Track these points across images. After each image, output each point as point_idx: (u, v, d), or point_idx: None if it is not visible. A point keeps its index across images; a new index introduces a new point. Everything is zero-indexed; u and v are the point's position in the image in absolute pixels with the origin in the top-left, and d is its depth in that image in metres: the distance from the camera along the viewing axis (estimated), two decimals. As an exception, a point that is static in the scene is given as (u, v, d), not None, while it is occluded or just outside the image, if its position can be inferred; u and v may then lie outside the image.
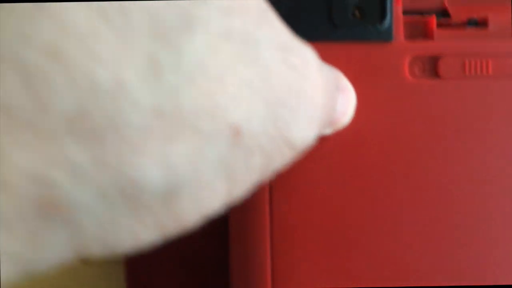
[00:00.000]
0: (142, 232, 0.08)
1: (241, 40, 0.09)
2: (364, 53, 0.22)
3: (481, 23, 0.22)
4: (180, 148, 0.09)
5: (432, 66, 0.22)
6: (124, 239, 0.08)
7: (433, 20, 0.22)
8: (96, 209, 0.07)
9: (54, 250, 0.07)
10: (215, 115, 0.09)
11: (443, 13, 0.24)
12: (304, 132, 0.12)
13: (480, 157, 0.22)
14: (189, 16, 0.08)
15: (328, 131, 0.20)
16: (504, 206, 0.22)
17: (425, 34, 0.22)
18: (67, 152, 0.07)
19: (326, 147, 0.22)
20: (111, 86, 0.07)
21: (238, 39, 0.09)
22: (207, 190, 0.09)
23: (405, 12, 0.22)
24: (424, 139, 0.22)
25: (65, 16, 0.07)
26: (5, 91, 0.06)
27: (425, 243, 0.22)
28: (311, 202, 0.22)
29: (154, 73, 0.08)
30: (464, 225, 0.22)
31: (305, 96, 0.12)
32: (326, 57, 0.22)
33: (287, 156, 0.12)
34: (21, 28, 0.06)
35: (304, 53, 0.13)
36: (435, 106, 0.22)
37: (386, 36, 0.22)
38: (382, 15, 0.21)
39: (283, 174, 0.20)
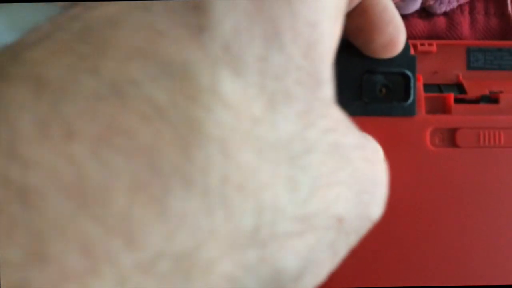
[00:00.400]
0: None
1: (338, 150, 0.13)
2: (391, 126, 0.25)
3: (493, 99, 0.26)
4: (307, 241, 0.11)
5: (450, 137, 0.25)
6: None
7: (451, 97, 0.25)
8: None
9: None
10: (327, 212, 0.12)
11: (459, 88, 0.27)
12: (379, 207, 0.15)
13: (493, 217, 0.25)
14: (305, 141, 0.12)
15: None
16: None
17: (444, 109, 0.25)
18: (247, 256, 0.10)
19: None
20: (271, 204, 0.10)
21: (337, 150, 0.12)
22: (321, 267, 0.12)
23: (426, 87, 0.26)
24: (443, 201, 0.25)
25: (239, 157, 0.10)
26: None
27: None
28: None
29: (294, 190, 0.11)
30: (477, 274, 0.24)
31: (379, 180, 0.15)
32: (358, 129, 0.25)
33: (367, 228, 0.15)
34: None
35: (370, 145, 0.16)
36: (454, 172, 0.25)
37: (410, 111, 0.25)
38: (407, 93, 0.25)
39: None
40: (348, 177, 0.13)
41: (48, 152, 0.09)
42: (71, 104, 0.09)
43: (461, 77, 0.27)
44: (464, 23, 0.28)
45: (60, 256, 0.08)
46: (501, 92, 0.25)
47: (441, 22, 0.28)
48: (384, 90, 0.25)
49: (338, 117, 0.13)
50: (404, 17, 0.26)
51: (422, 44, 0.28)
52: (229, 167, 0.10)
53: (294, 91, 0.11)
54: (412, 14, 0.28)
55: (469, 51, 0.27)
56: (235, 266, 0.10)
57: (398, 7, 0.25)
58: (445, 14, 0.28)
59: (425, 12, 0.28)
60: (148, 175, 0.09)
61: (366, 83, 0.25)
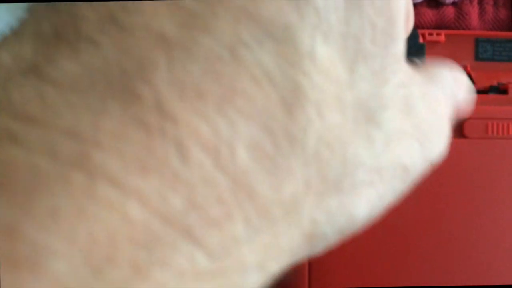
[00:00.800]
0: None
1: (407, 103, 0.13)
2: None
3: (502, 90, 0.25)
4: (378, 190, 0.13)
5: (458, 127, 0.25)
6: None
7: (460, 87, 0.25)
8: (333, 238, 0.12)
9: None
10: (396, 163, 0.13)
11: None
12: (440, 147, 0.16)
13: (499, 204, 0.25)
14: (381, 98, 0.12)
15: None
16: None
17: (452, 99, 0.25)
18: (330, 203, 0.12)
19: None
20: (352, 158, 0.12)
21: (407, 103, 0.13)
22: (379, 212, 0.14)
23: (433, 77, 0.25)
24: (451, 192, 0.25)
25: (329, 118, 0.11)
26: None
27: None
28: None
29: (371, 144, 0.12)
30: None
31: (441, 126, 0.16)
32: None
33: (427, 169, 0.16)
34: None
35: (433, 91, 0.17)
36: (462, 162, 0.25)
37: (418, 101, 0.25)
38: (415, 82, 0.24)
39: None
40: (414, 128, 0.14)
41: (188, 111, 0.10)
42: (196, 64, 0.10)
43: (469, 68, 0.26)
44: (473, 13, 0.28)
45: (206, 204, 0.10)
46: (509, 83, 0.25)
47: (450, 11, 0.28)
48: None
49: (406, 70, 0.14)
50: (413, 6, 0.26)
51: (430, 34, 0.27)
52: (323, 127, 0.11)
53: (371, 50, 0.12)
54: (420, 3, 0.28)
55: (477, 41, 0.27)
56: (320, 211, 0.12)
57: (407, -5, 0.25)
58: (454, 3, 0.28)
59: (434, 1, 0.28)
60: (262, 134, 0.10)
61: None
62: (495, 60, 0.27)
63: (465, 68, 0.27)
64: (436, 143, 0.16)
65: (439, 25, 0.28)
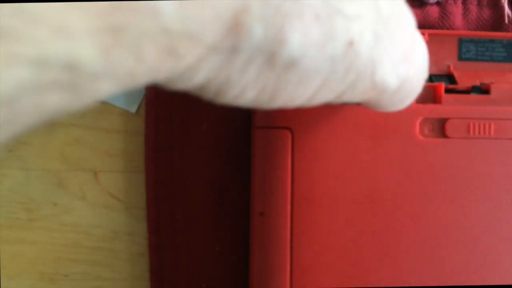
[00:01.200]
0: None
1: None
2: (380, 114, 0.24)
3: (484, 90, 0.25)
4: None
5: (440, 127, 0.25)
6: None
7: (442, 87, 0.25)
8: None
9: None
10: (343, 27, 0.15)
11: (450, 79, 0.26)
12: (386, 75, 0.17)
13: (481, 206, 0.25)
14: None
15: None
16: (505, 255, 0.24)
17: (434, 98, 0.25)
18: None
19: (347, 191, 0.24)
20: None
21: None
22: (316, 73, 0.15)
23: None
24: (432, 192, 0.24)
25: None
26: None
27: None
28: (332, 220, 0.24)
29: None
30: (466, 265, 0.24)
31: (396, 40, 0.17)
32: (347, 119, 0.25)
33: (366, 90, 0.17)
34: None
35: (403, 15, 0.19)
36: (442, 162, 0.25)
37: (400, 100, 0.25)
38: (397, 81, 0.24)
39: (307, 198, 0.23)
40: (369, 13, 0.16)
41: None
42: None
43: (452, 68, 0.26)
44: (457, 13, 0.28)
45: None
46: (492, 83, 0.25)
47: (434, 11, 0.28)
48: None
49: None
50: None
51: (414, 33, 0.27)
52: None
53: None
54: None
55: (461, 41, 0.27)
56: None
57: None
58: (437, 3, 0.28)
59: (418, 1, 0.28)
60: None
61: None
62: (478, 60, 0.27)
63: (448, 68, 0.27)
64: (388, 57, 0.17)
65: (423, 25, 0.28)
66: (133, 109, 0.28)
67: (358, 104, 0.24)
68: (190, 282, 0.27)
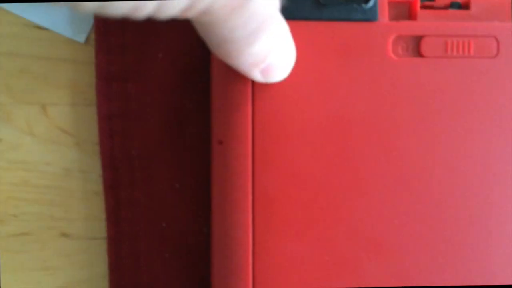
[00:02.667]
0: None
1: None
2: (350, 32, 0.22)
3: (463, 6, 0.23)
4: None
5: (415, 46, 0.23)
6: None
7: (417, 2, 0.23)
8: None
9: None
10: None
11: (427, -6, 0.24)
12: None
13: (460, 132, 0.23)
14: None
15: (259, 76, 0.20)
16: (486, 181, 0.23)
17: (409, 14, 0.23)
18: None
19: (311, 127, 0.22)
20: None
21: None
22: None
23: (390, -7, 0.23)
24: (406, 116, 0.22)
25: None
26: None
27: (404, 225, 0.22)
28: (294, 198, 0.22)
29: None
30: (442, 201, 0.23)
31: None
32: (312, 36, 0.22)
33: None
34: None
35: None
36: (417, 84, 0.22)
37: (371, 16, 0.22)
38: (367, -6, 0.22)
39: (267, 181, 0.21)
40: None
41: None
42: None
43: (430, -17, 0.24)
44: None
45: None
46: (472, -3, 0.23)
47: None
48: (342, -9, 0.22)
49: None
50: None
51: None
52: None
53: None
54: None
55: (440, -45, 0.25)
56: None
57: None
58: None
59: None
60: None
61: (322, -18, 0.22)
62: (458, -24, 0.25)
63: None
64: None
65: None
66: (81, 38, 0.25)
67: (321, 20, 0.22)
68: (149, 222, 0.25)
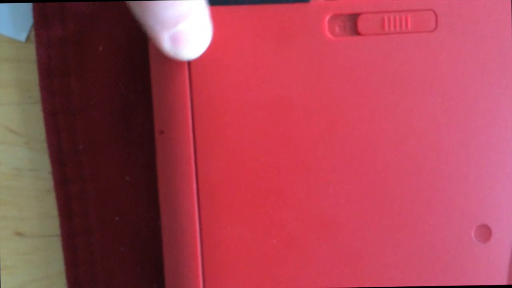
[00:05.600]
0: None
1: None
2: (284, 14, 0.22)
3: (399, -21, 0.23)
4: None
5: (351, 24, 0.22)
6: None
7: (351, -22, 0.23)
8: None
9: None
10: None
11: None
12: None
13: (402, 108, 0.23)
14: None
15: (168, 44, 0.20)
16: (433, 156, 0.23)
17: (344, -8, 0.23)
18: None
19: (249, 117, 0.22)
20: None
21: None
22: None
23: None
24: (347, 95, 0.22)
25: None
26: None
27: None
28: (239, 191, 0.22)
29: None
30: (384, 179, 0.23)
31: None
32: (248, 20, 0.22)
33: None
34: None
35: None
36: (356, 63, 0.22)
37: (304, -4, 0.22)
38: (299, -25, 0.22)
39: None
40: None
41: None
42: None
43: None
44: None
45: None
46: (408, -30, 0.23)
47: None
48: (274, -28, 0.22)
49: None
50: None
51: None
52: None
53: None
54: None
55: None
56: None
57: None
58: None
59: None
60: None
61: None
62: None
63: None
64: None
65: None
66: (22, 37, 0.25)
67: (254, 4, 0.22)
68: (102, 216, 0.25)
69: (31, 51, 0.25)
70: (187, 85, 0.22)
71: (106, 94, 0.25)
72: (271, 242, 0.22)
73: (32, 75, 0.25)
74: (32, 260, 0.26)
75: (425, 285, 0.22)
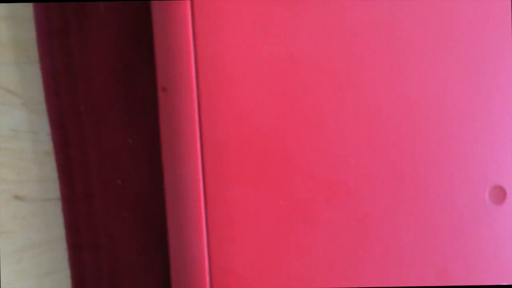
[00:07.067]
0: None
1: None
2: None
3: None
4: None
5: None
6: None
7: None
8: None
9: None
10: None
11: None
12: None
13: (410, 67, 0.22)
14: None
15: None
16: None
17: None
18: None
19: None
20: None
21: None
22: None
23: None
24: (352, 54, 0.22)
25: None
26: None
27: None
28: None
29: None
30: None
31: None
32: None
33: None
34: None
35: None
36: (363, 20, 0.21)
37: None
38: None
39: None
40: None
41: None
42: None
43: None
44: None
45: None
46: None
47: None
48: None
49: None
50: None
51: None
52: None
53: None
54: None
55: None
56: None
57: None
58: None
59: None
60: None
61: None
62: None
63: None
64: None
65: None
66: (20, -7, 0.24)
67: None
68: (104, 179, 0.25)
69: (28, 8, 0.24)
70: (191, 41, 0.21)
71: (108, 55, 0.24)
72: (278, 203, 0.22)
73: (29, 33, 0.24)
74: (31, 225, 0.25)
75: (440, 247, 0.22)
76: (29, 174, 0.25)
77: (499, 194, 0.22)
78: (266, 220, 0.22)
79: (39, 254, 0.25)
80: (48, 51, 0.24)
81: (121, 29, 0.24)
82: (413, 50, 0.21)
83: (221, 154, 0.21)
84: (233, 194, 0.22)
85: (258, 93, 0.21)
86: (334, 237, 0.22)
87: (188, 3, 0.21)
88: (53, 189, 0.25)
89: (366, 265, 0.22)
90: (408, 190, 0.22)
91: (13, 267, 0.25)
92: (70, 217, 0.25)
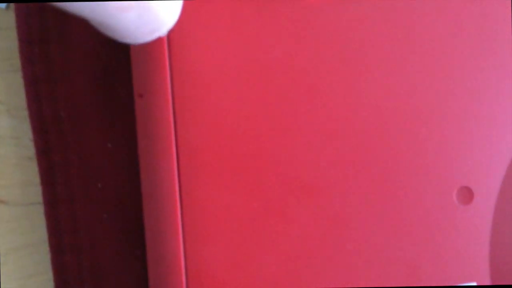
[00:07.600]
0: None
1: None
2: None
3: None
4: None
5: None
6: None
7: None
8: None
9: None
10: None
11: None
12: None
13: (379, 70, 0.22)
14: None
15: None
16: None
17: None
18: None
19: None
20: None
21: None
22: None
23: None
24: (327, 59, 0.22)
25: None
26: None
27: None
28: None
29: None
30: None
31: None
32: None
33: None
34: None
35: None
36: (337, 24, 0.22)
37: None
38: None
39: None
40: None
41: None
42: None
43: None
44: None
45: None
46: None
47: None
48: None
49: None
50: None
51: None
52: None
53: None
54: None
55: None
56: None
57: None
58: None
59: None
60: None
61: None
62: None
63: None
64: None
65: None
66: (2, 5, 0.25)
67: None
68: (85, 183, 0.25)
69: (12, 19, 0.25)
70: (165, 47, 0.22)
71: (88, 61, 0.25)
72: (251, 205, 0.22)
73: (13, 42, 0.25)
74: (14, 228, 0.26)
75: (409, 248, 0.22)
76: (12, 178, 0.25)
77: (466, 195, 0.22)
78: (241, 221, 0.22)
79: (23, 257, 0.26)
80: (29, 59, 0.24)
81: (100, 37, 0.25)
82: (381, 57, 0.22)
83: (195, 157, 0.22)
84: (208, 196, 0.22)
85: (231, 99, 0.22)
86: (307, 238, 0.22)
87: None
88: (36, 193, 0.25)
89: (339, 265, 0.22)
90: (377, 191, 0.22)
91: (-2, 270, 0.25)
92: (53, 221, 0.25)
